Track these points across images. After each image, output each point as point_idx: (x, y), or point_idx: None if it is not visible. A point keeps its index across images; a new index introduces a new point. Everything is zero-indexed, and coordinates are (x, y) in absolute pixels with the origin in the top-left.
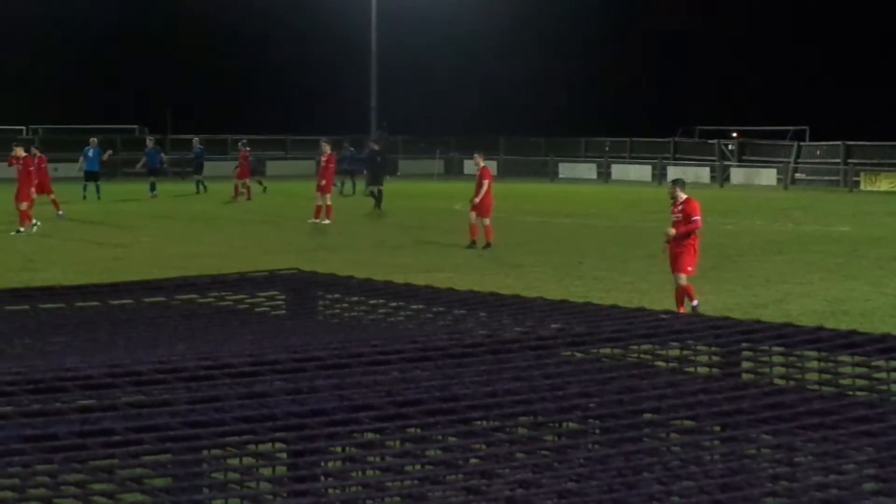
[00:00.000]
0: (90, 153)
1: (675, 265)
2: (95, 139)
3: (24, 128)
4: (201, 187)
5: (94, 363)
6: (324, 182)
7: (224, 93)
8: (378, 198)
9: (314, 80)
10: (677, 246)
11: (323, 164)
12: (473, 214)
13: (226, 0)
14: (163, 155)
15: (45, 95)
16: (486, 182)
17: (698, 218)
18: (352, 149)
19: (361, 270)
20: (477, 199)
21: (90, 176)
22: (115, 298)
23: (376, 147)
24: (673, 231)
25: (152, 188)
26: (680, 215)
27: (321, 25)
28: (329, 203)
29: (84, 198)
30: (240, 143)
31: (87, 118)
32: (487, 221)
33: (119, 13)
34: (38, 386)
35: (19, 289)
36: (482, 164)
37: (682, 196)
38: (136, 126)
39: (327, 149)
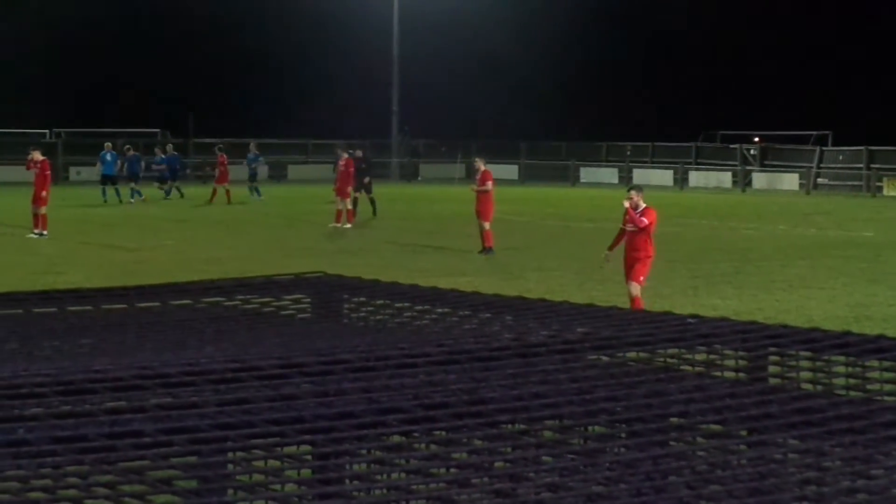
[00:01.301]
0: (107, 157)
1: (630, 273)
2: (110, 143)
3: (47, 131)
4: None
5: (123, 365)
6: (347, 188)
7: (246, 97)
8: (355, 206)
9: (336, 85)
10: (634, 253)
11: (342, 168)
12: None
13: (250, 5)
14: (143, 162)
15: (68, 99)
16: (489, 183)
17: (648, 223)
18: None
19: (382, 274)
20: (475, 188)
21: (107, 179)
22: (141, 301)
23: (359, 154)
24: (611, 254)
25: (131, 194)
26: (637, 226)
27: (344, 30)
28: (350, 207)
29: (105, 201)
30: (216, 148)
31: (110, 122)
32: (487, 226)
33: (143, 17)
34: (68, 388)
35: (47, 291)
36: (483, 167)
37: (643, 204)
38: (157, 130)
39: (345, 153)
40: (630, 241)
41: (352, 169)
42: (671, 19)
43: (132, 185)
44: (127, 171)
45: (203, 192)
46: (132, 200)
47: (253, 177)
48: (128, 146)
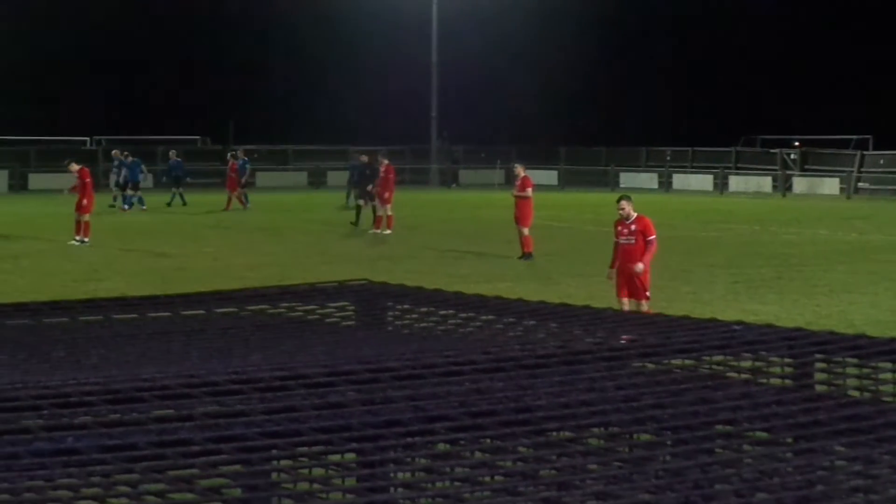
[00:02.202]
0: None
1: (628, 289)
2: (127, 151)
3: (87, 138)
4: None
5: (171, 374)
6: (387, 194)
7: (285, 103)
8: (359, 214)
9: (375, 91)
10: (628, 269)
11: (382, 174)
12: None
13: (289, 12)
14: (143, 167)
15: (109, 107)
16: (529, 189)
17: (655, 237)
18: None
19: (422, 280)
20: (515, 194)
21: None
22: (186, 309)
23: (365, 159)
24: (641, 266)
25: (125, 200)
26: (632, 237)
27: (382, 36)
28: (390, 213)
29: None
30: (229, 154)
31: (151, 129)
32: (527, 231)
33: (182, 24)
34: (116, 396)
35: (93, 299)
36: (523, 173)
37: (634, 214)
38: (198, 137)
39: (385, 160)
40: (625, 255)
41: (392, 175)
42: (711, 23)
43: (130, 192)
44: (129, 177)
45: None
46: (125, 207)
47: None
48: (126, 152)
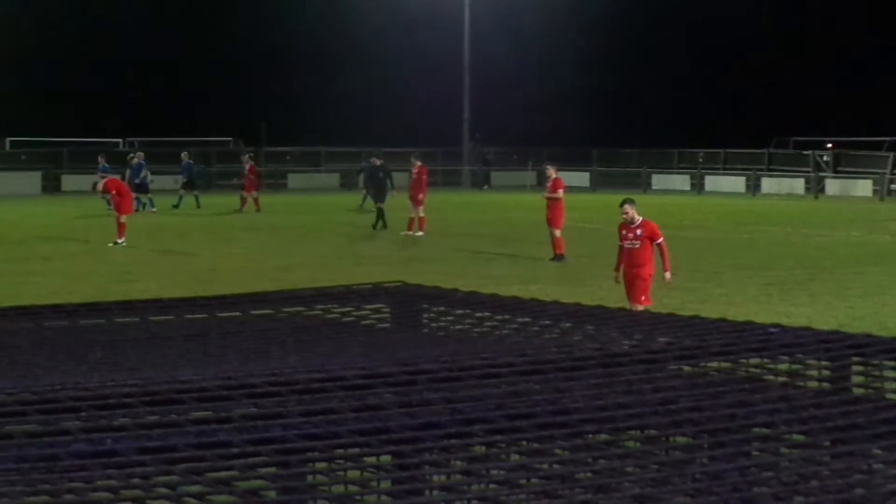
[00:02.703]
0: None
1: (631, 295)
2: (141, 153)
3: (120, 140)
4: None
5: (208, 376)
6: (420, 195)
7: (317, 105)
8: (380, 216)
9: (407, 93)
10: (633, 270)
11: (415, 176)
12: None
13: (320, 11)
14: (145, 170)
15: (141, 108)
16: (560, 191)
17: (663, 240)
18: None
19: (454, 281)
20: (546, 196)
21: (140, 188)
22: (222, 310)
23: (378, 162)
24: (669, 275)
25: (141, 203)
26: (637, 241)
27: (414, 37)
28: (422, 215)
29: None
30: (247, 155)
31: (183, 130)
32: (558, 233)
33: (214, 27)
34: (154, 398)
35: (129, 301)
36: (554, 175)
37: (639, 217)
38: (230, 139)
39: (418, 161)
40: (630, 258)
41: (425, 176)
42: (744, 24)
43: (136, 195)
44: (132, 181)
45: (272, 201)
46: (138, 210)
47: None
48: (131, 154)
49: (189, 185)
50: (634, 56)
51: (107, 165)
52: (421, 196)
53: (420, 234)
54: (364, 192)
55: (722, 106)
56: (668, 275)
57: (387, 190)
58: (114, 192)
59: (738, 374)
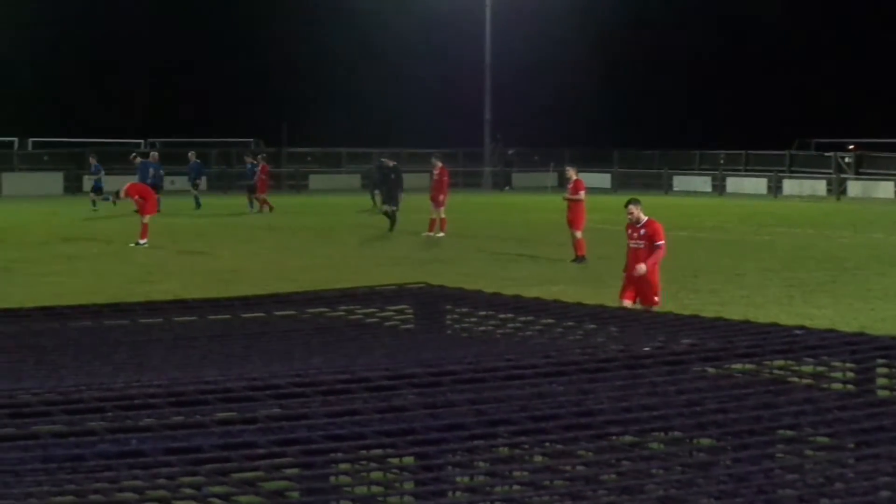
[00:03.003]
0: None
1: (633, 292)
2: (156, 153)
3: (142, 141)
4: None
5: (233, 376)
6: (441, 196)
7: (338, 106)
8: (392, 219)
9: (428, 94)
10: (645, 277)
11: (436, 177)
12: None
13: (341, 12)
14: (153, 169)
15: (163, 109)
16: (581, 193)
17: (663, 242)
18: (382, 160)
19: (476, 283)
20: (566, 197)
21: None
22: (246, 311)
23: (390, 164)
24: (643, 267)
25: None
26: (641, 241)
27: (435, 38)
28: (443, 216)
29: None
30: (260, 157)
31: (205, 131)
32: (579, 234)
33: (234, 27)
34: (179, 399)
35: (153, 301)
36: (575, 176)
37: (644, 217)
38: (251, 139)
39: (439, 162)
40: (636, 258)
41: (446, 177)
42: (765, 25)
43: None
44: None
45: (292, 202)
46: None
47: (253, 188)
48: (133, 154)
49: (194, 186)
50: (657, 57)
51: (98, 165)
52: (442, 197)
53: (441, 235)
54: (372, 193)
55: (744, 107)
56: (641, 266)
57: (398, 193)
58: (136, 196)
59: (763, 376)
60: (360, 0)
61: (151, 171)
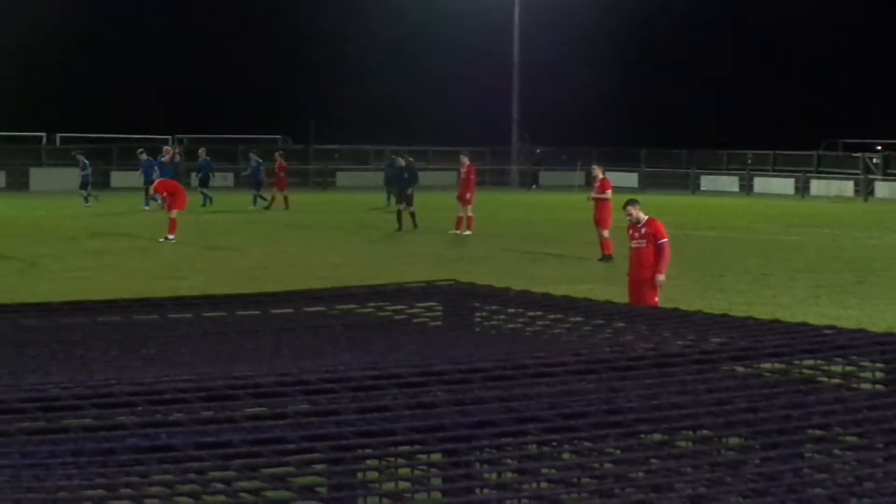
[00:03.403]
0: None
1: (636, 295)
2: (176, 150)
3: (169, 137)
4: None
5: (263, 372)
6: (469, 195)
7: (365, 103)
8: (401, 219)
9: (456, 92)
10: (641, 271)
11: (464, 175)
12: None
13: (369, 9)
14: (157, 167)
15: (190, 105)
16: (608, 192)
17: (666, 240)
18: (394, 157)
19: (503, 281)
20: (592, 196)
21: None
22: (275, 307)
23: (403, 162)
24: (662, 277)
25: (146, 201)
26: (643, 241)
27: (463, 36)
28: (471, 214)
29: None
30: (277, 154)
31: (231, 128)
32: (606, 233)
33: (262, 24)
34: (210, 394)
35: (182, 297)
36: (601, 175)
37: (644, 216)
38: (278, 136)
39: (467, 160)
40: (638, 258)
41: (473, 175)
42: (793, 24)
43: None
44: (143, 177)
45: (320, 199)
46: (147, 208)
47: (258, 185)
48: (140, 149)
49: (203, 183)
50: (685, 56)
51: (86, 162)
52: (469, 195)
53: (468, 233)
54: (388, 191)
55: (771, 107)
56: (660, 277)
57: (410, 191)
58: (164, 193)
59: (793, 376)
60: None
61: (157, 168)
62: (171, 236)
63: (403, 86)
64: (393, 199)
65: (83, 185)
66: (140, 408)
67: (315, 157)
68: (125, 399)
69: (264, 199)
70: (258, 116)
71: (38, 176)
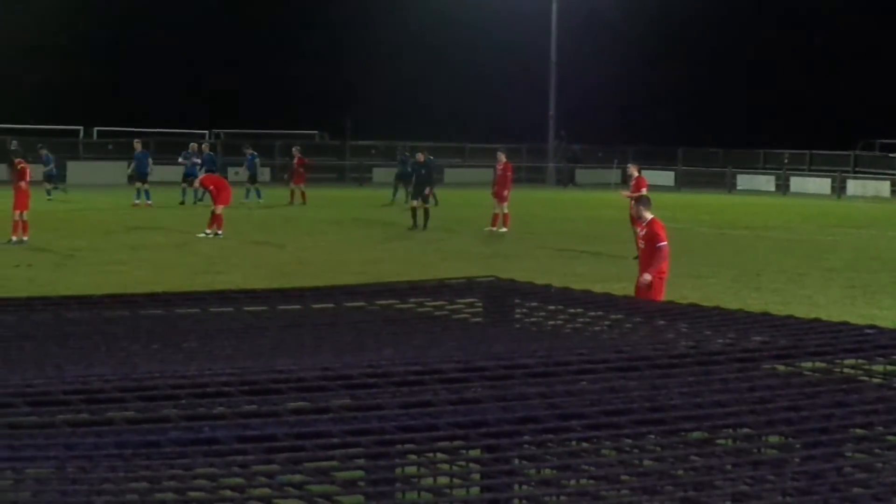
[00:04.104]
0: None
1: (639, 294)
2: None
3: (206, 132)
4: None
5: (306, 366)
6: (505, 192)
7: (402, 99)
8: (415, 216)
9: (493, 89)
10: (651, 280)
11: (500, 172)
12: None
13: (406, 7)
14: (150, 160)
15: (227, 100)
16: (643, 190)
17: (664, 244)
18: (406, 154)
19: (539, 278)
20: (627, 194)
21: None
22: (316, 302)
23: (422, 158)
24: (648, 277)
25: (137, 194)
26: (643, 242)
27: (501, 32)
28: (506, 211)
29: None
30: (294, 149)
31: (269, 123)
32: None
33: (301, 19)
34: (253, 387)
35: (223, 291)
36: (637, 173)
37: (648, 216)
38: (315, 132)
39: (503, 157)
40: (641, 258)
41: (510, 173)
42: (830, 27)
43: (139, 185)
44: (136, 170)
45: (356, 195)
46: (137, 202)
47: (254, 178)
48: (136, 140)
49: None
50: (722, 55)
51: (49, 156)
52: (505, 192)
53: (504, 230)
54: (395, 187)
55: (808, 107)
56: (646, 276)
57: (427, 187)
58: (211, 187)
59: (834, 375)
60: None
61: (150, 160)
62: (217, 231)
63: (441, 82)
64: (402, 195)
65: (47, 179)
66: (184, 401)
67: (352, 153)
68: (169, 392)
69: (258, 194)
70: (294, 112)
71: (76, 169)
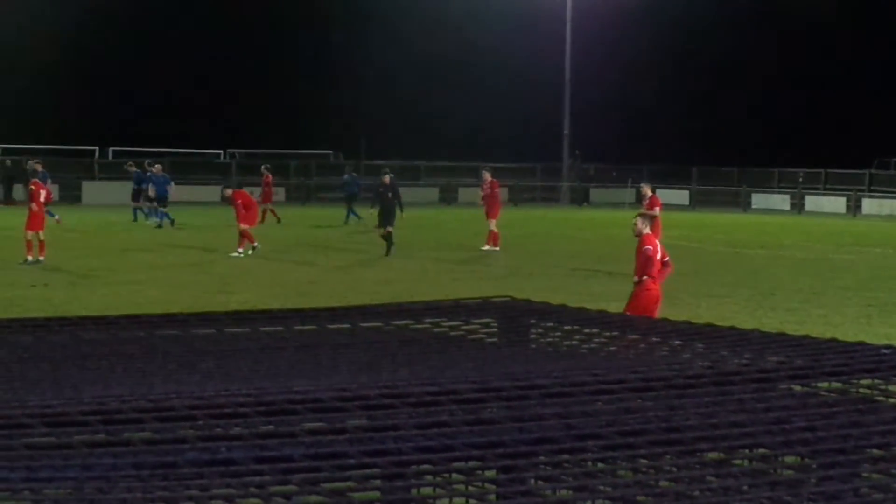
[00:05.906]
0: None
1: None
2: (159, 164)
3: (221, 152)
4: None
5: (322, 387)
6: (493, 210)
7: (417, 119)
8: (389, 241)
9: (507, 108)
10: (635, 287)
11: (486, 190)
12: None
13: (421, 26)
14: (172, 183)
15: (242, 121)
16: (656, 209)
17: (650, 248)
18: (353, 174)
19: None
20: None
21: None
22: (332, 323)
23: (387, 180)
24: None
25: (157, 215)
26: (636, 257)
27: (515, 50)
28: (495, 230)
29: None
30: (263, 167)
31: (284, 143)
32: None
33: (316, 39)
34: (269, 408)
35: (240, 311)
36: (650, 193)
37: (646, 230)
38: (330, 151)
39: (488, 176)
40: (636, 271)
41: (497, 190)
42: (847, 44)
43: (157, 206)
44: (157, 192)
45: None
46: (148, 221)
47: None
48: (129, 162)
49: (160, 201)
50: (737, 74)
51: (45, 172)
52: (494, 210)
53: (492, 248)
54: (349, 210)
55: (823, 126)
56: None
57: (393, 211)
58: (239, 201)
59: (851, 395)
60: (445, 15)
61: (149, 182)
62: (252, 246)
63: (455, 102)
64: (353, 217)
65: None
66: (200, 422)
67: (366, 172)
68: (185, 413)
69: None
70: (309, 132)
71: (91, 189)
